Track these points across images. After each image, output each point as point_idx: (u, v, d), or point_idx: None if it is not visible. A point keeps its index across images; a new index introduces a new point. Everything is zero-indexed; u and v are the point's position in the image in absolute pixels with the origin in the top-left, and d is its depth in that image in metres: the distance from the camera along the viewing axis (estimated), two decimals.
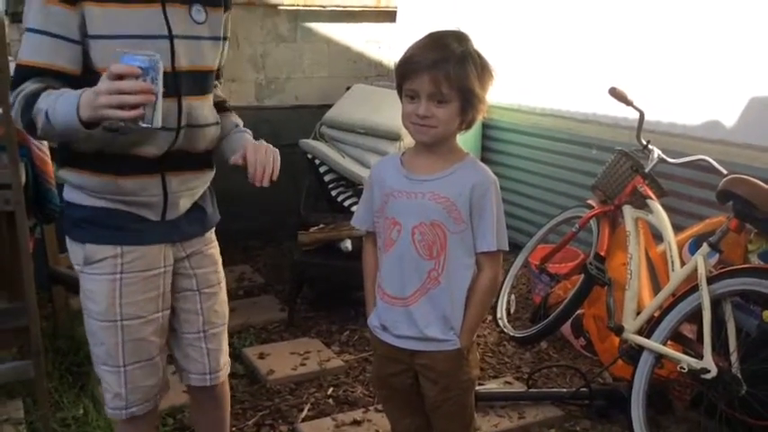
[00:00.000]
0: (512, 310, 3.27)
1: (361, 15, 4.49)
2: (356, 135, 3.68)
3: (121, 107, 1.33)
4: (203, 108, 1.64)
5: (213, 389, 1.81)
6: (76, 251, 1.61)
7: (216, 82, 1.73)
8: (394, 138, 3.59)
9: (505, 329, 3.10)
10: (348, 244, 3.15)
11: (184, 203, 1.66)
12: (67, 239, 1.64)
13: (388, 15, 4.47)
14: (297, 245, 3.21)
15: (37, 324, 2.26)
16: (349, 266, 3.17)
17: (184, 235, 1.68)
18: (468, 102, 1.55)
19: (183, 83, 1.56)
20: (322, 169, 3.70)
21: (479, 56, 1.58)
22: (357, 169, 3.56)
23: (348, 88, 4.09)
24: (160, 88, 1.36)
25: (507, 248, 1.65)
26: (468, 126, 1.62)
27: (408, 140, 3.65)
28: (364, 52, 4.58)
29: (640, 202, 2.69)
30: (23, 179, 2.33)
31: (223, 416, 1.90)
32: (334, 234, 3.20)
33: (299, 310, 3.27)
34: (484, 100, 1.58)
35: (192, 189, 1.67)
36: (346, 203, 3.56)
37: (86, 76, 1.48)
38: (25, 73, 1.48)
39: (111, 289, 1.58)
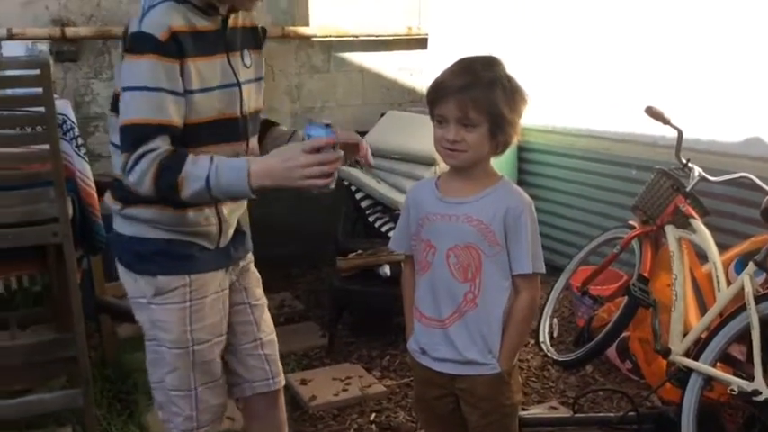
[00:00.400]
0: (555, 334, 3.23)
1: (393, 43, 4.54)
2: (391, 161, 3.70)
3: (324, 176, 1.45)
4: (257, 146, 1.75)
5: (276, 394, 1.90)
6: (144, 284, 1.66)
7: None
8: (429, 162, 3.60)
9: (549, 353, 3.07)
10: (386, 269, 3.15)
11: (231, 230, 1.75)
12: (129, 273, 1.69)
13: (420, 42, 4.51)
14: (336, 271, 3.22)
15: (85, 353, 2.30)
16: (388, 291, 3.18)
17: (234, 259, 1.79)
18: (497, 126, 1.57)
19: (249, 126, 1.68)
20: (358, 196, 3.72)
21: (510, 80, 1.60)
22: (393, 195, 3.58)
23: (382, 115, 4.13)
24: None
25: (543, 271, 1.65)
26: (502, 150, 1.63)
27: (443, 165, 3.66)
28: (397, 79, 4.62)
29: (683, 222, 2.65)
30: (71, 212, 2.40)
31: (284, 420, 1.97)
32: (373, 260, 3.21)
33: (339, 335, 3.28)
34: (515, 124, 1.60)
35: (236, 216, 1.77)
36: (383, 229, 3.57)
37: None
38: (152, 131, 1.47)
39: (182, 317, 1.65)
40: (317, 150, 1.44)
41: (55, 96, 2.34)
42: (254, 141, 1.73)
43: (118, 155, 1.57)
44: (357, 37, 4.40)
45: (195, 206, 1.62)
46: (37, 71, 2.30)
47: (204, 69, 1.55)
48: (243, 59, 1.67)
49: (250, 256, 1.88)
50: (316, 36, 4.29)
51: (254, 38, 1.73)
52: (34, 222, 2.31)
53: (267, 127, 1.87)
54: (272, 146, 1.78)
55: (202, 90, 1.55)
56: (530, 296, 1.66)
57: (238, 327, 1.82)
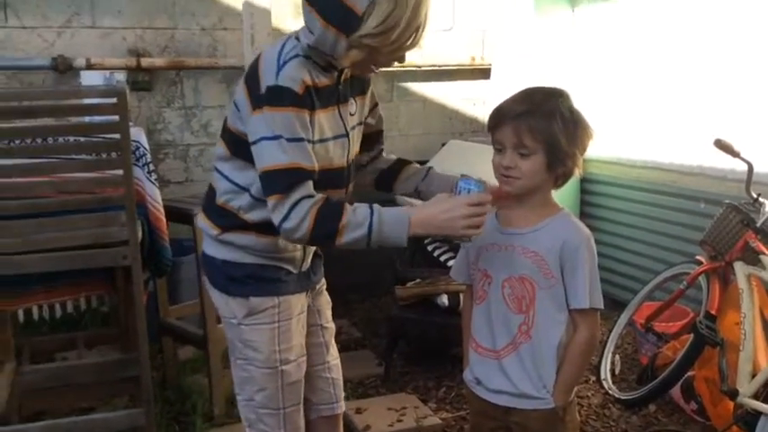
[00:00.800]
0: (617, 371, 3.14)
1: (457, 73, 4.57)
2: None
3: (479, 227, 1.53)
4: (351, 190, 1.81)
5: (337, 419, 1.96)
6: (236, 305, 1.73)
7: (381, 147, 1.92)
8: None
9: (610, 391, 2.98)
10: (444, 299, 3.14)
11: (310, 256, 1.83)
12: (222, 295, 1.76)
13: (483, 72, 4.53)
14: (394, 299, 3.23)
15: (148, 374, 2.37)
16: (445, 322, 3.16)
17: (313, 282, 1.87)
18: (554, 156, 1.56)
19: (351, 173, 1.75)
20: None
21: (572, 112, 1.59)
22: None
23: (443, 144, 4.14)
24: None
25: (601, 306, 1.62)
26: (562, 183, 1.63)
27: None
28: (459, 109, 4.64)
29: (753, 258, 2.56)
30: (140, 236, 2.48)
31: None
32: (431, 289, 3.20)
33: (395, 364, 3.27)
34: (574, 156, 1.58)
35: None
36: (442, 258, 3.56)
37: None
38: (298, 176, 1.52)
39: (272, 336, 1.72)
40: (478, 204, 1.52)
41: (129, 124, 2.44)
42: (351, 187, 1.78)
43: (223, 181, 1.69)
44: (420, 67, 4.45)
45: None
46: (114, 99, 2.40)
47: (323, 121, 1.62)
48: (350, 108, 1.72)
49: (323, 280, 1.94)
50: None
51: (361, 85, 1.76)
52: (105, 245, 2.39)
53: (401, 165, 1.91)
54: (405, 184, 1.88)
55: (321, 141, 1.62)
56: (588, 332, 1.62)
57: (310, 348, 1.86)
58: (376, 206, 1.55)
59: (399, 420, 2.79)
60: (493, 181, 1.65)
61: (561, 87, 1.65)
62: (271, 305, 1.71)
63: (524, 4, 4.03)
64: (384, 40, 1.52)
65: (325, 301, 1.95)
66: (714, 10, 3.23)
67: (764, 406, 2.19)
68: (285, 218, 1.52)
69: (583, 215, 3.95)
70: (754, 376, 2.34)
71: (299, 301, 1.78)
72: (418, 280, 3.29)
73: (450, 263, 3.51)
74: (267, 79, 1.54)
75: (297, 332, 1.77)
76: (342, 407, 1.96)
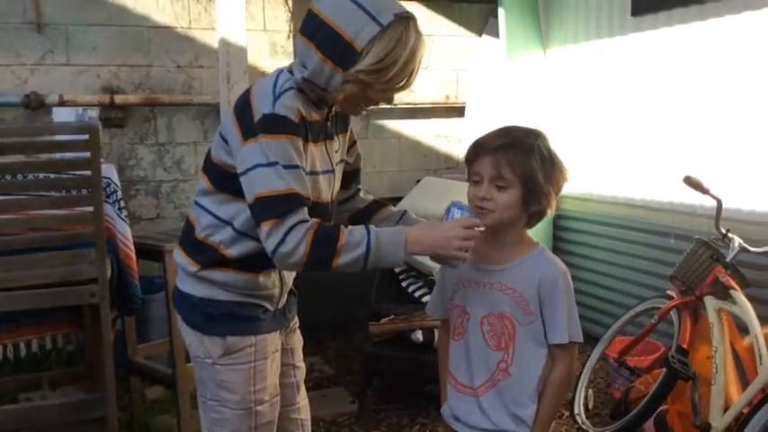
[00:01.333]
0: (590, 406, 3.13)
1: (431, 111, 4.63)
2: None
3: (468, 250, 1.54)
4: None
5: None
6: (210, 344, 1.69)
7: (358, 186, 1.94)
8: None
9: (584, 426, 2.97)
10: (419, 335, 3.12)
11: (286, 292, 1.81)
12: (195, 334, 1.72)
13: (457, 111, 4.59)
14: (367, 336, 3.20)
15: (114, 415, 2.32)
16: (420, 358, 3.14)
17: (287, 320, 1.85)
18: (530, 192, 1.57)
19: (332, 210, 1.76)
20: None
21: (550, 152, 1.62)
22: (427, 260, 3.56)
23: (418, 181, 4.17)
24: None
25: (581, 340, 1.62)
26: (536, 221, 1.64)
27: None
28: (433, 146, 4.69)
29: (723, 293, 2.59)
30: (109, 273, 2.45)
31: None
32: (405, 325, 3.19)
33: (369, 402, 3.23)
34: (549, 195, 1.60)
35: (292, 278, 1.83)
36: (416, 294, 3.55)
37: None
38: (294, 202, 1.52)
39: (248, 377, 1.70)
40: (470, 227, 1.55)
41: (101, 161, 2.43)
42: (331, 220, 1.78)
43: (205, 215, 1.67)
44: (395, 105, 4.49)
45: (265, 270, 1.68)
46: (86, 136, 2.40)
47: (314, 155, 1.63)
48: (334, 145, 1.73)
49: (296, 318, 1.92)
50: None
51: (344, 122, 1.78)
52: (73, 282, 2.36)
53: (377, 206, 1.91)
54: (380, 225, 1.80)
55: (312, 173, 1.62)
56: (566, 367, 1.63)
57: (282, 388, 1.83)
58: (371, 227, 1.56)
59: None
60: None
61: (539, 129, 1.68)
62: (248, 344, 1.68)
63: (497, 45, 4.11)
64: (380, 77, 1.55)
65: (298, 340, 1.92)
66: (683, 52, 3.32)
67: None
68: (281, 242, 1.49)
69: (556, 250, 3.97)
70: (726, 410, 2.35)
71: (274, 340, 1.75)
72: (392, 316, 3.27)
73: (425, 298, 3.50)
74: (262, 108, 1.55)
75: (271, 372, 1.74)
76: None
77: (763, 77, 2.92)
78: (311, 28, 1.56)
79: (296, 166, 1.53)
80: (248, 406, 1.70)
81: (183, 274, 1.73)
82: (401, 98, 4.45)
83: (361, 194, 1.94)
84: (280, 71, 1.64)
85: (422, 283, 3.59)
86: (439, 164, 4.67)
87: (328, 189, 1.70)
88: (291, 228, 1.50)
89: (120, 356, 2.78)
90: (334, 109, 1.69)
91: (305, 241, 1.49)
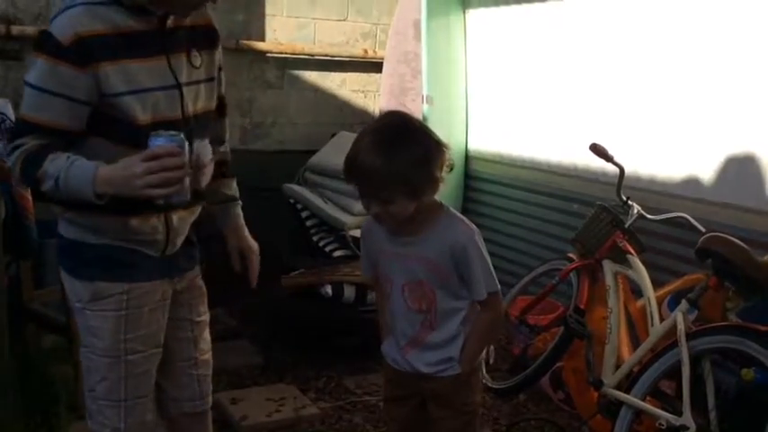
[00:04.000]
0: (491, 361, 3.23)
1: (349, 65, 4.55)
2: (339, 181, 3.68)
3: (165, 185, 1.42)
4: (206, 148, 1.69)
5: (203, 416, 1.85)
6: (80, 289, 1.63)
7: (222, 138, 1.86)
8: None
9: (484, 380, 3.07)
10: (328, 289, 3.14)
11: (180, 238, 1.70)
12: (68, 277, 1.66)
13: (375, 66, 4.54)
14: (277, 289, 3.18)
15: (6, 362, 2.21)
16: (328, 312, 3.16)
17: (181, 270, 1.75)
18: (415, 191, 1.61)
19: (192, 128, 1.62)
20: (304, 214, 3.70)
21: (422, 141, 1.62)
22: (339, 215, 3.57)
23: (333, 135, 4.12)
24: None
25: (497, 288, 1.74)
26: (431, 197, 1.66)
27: None
28: (350, 100, 4.63)
29: (620, 257, 2.71)
30: (2, 215, 2.31)
31: None
32: (315, 279, 3.18)
33: (276, 355, 3.23)
34: (436, 178, 1.63)
35: (187, 224, 1.73)
36: (327, 249, 3.55)
37: (121, 130, 1.53)
38: (30, 128, 1.50)
39: (117, 324, 1.62)
40: (156, 158, 1.41)
41: None
42: (200, 144, 1.65)
43: None
44: (313, 56, 4.40)
45: (138, 214, 1.58)
46: None
47: (129, 71, 1.52)
48: (190, 60, 1.63)
49: (197, 269, 1.83)
50: (271, 52, 4.27)
51: (208, 37, 1.69)
52: None
53: (218, 172, 1.82)
54: (220, 212, 1.90)
55: (132, 92, 1.52)
56: (491, 314, 1.77)
57: (175, 343, 1.78)
58: (74, 157, 1.47)
59: (278, 411, 2.76)
60: None
61: (401, 114, 1.75)
62: (118, 291, 1.61)
63: (417, 1, 4.07)
64: None
65: (199, 293, 1.83)
66: (593, 20, 3.39)
67: (626, 396, 2.32)
68: (8, 161, 1.51)
69: (465, 211, 4.04)
70: (617, 368, 2.48)
71: (156, 289, 1.67)
72: (302, 270, 3.26)
73: (336, 253, 3.50)
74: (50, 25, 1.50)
75: (151, 322, 1.67)
76: (208, 403, 1.86)
77: (670, 46, 3.03)
78: None
79: (48, 91, 1.47)
80: (116, 354, 1.63)
81: (59, 217, 1.65)
82: (318, 49, 4.40)
83: (220, 146, 1.84)
84: None
85: (333, 237, 3.59)
86: (355, 118, 4.62)
87: (175, 106, 1.58)
88: (13, 149, 1.50)
89: (15, 302, 2.64)
90: (183, 20, 1.60)
91: (17, 164, 1.50)
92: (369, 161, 1.57)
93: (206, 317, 1.86)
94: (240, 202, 1.94)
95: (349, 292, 3.17)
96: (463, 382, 1.78)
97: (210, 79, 1.70)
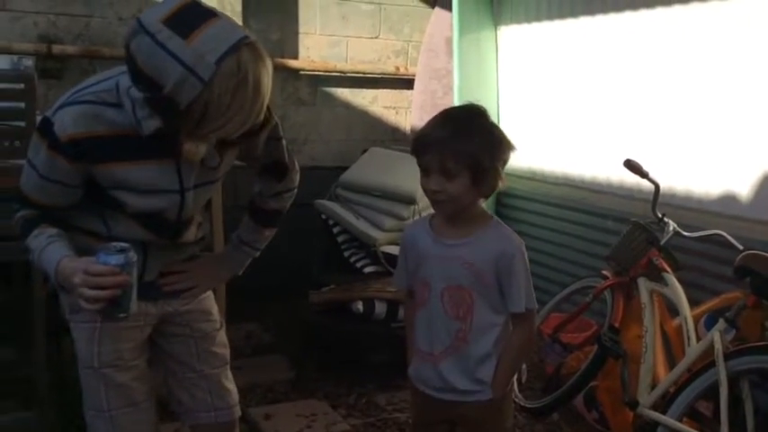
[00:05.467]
0: (523, 380, 3.20)
1: (381, 82, 4.59)
2: (371, 197, 3.70)
3: (96, 302, 1.39)
4: (192, 232, 1.73)
5: (224, 427, 1.84)
6: (64, 300, 1.66)
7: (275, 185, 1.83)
8: (409, 201, 3.61)
9: (516, 399, 3.04)
10: (359, 306, 3.13)
11: (158, 269, 1.70)
12: (60, 290, 1.67)
13: (406, 82, 4.57)
14: (308, 304, 3.19)
15: (43, 374, 2.25)
16: (359, 328, 3.16)
17: (164, 296, 1.72)
18: (478, 175, 1.61)
19: (183, 226, 1.66)
20: (336, 230, 3.71)
21: (492, 129, 1.66)
22: (370, 231, 3.57)
23: (365, 151, 4.14)
24: (134, 278, 1.43)
25: (536, 306, 1.73)
26: (488, 194, 1.69)
27: (424, 203, 3.68)
28: (382, 117, 4.66)
29: (655, 275, 2.67)
30: None
31: None
32: (346, 295, 3.19)
33: (307, 370, 3.23)
34: (497, 171, 1.65)
35: (172, 260, 1.73)
36: (358, 265, 3.55)
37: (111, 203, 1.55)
38: (28, 204, 1.55)
39: (90, 337, 1.64)
40: (94, 275, 1.39)
41: (36, 113, 2.33)
42: (187, 234, 1.70)
43: None
44: (345, 73, 4.44)
45: (104, 241, 1.57)
46: (21, 85, 2.29)
47: (134, 174, 1.51)
48: (206, 161, 1.57)
49: (198, 304, 1.80)
50: (304, 70, 4.33)
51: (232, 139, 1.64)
52: (3, 237, 2.26)
53: (247, 215, 1.86)
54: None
55: (129, 190, 1.52)
56: (525, 333, 1.74)
57: (180, 356, 1.78)
58: (50, 239, 1.49)
59: (308, 427, 2.76)
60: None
61: (477, 104, 1.71)
62: None
63: (449, 19, 4.09)
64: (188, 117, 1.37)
65: (201, 314, 1.80)
66: (629, 36, 3.37)
67: (662, 416, 2.27)
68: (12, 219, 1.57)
69: None
70: (653, 388, 2.44)
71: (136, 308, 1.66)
72: (333, 286, 3.27)
73: (367, 269, 3.51)
74: (54, 106, 1.47)
75: (128, 338, 1.67)
76: (229, 415, 1.83)
77: (707, 65, 3.00)
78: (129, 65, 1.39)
79: (47, 179, 1.50)
80: (92, 365, 1.65)
81: None
82: (351, 66, 4.44)
83: (265, 196, 1.83)
84: (111, 76, 1.49)
85: (364, 253, 3.59)
86: (386, 135, 4.65)
87: (173, 209, 1.59)
88: (15, 212, 1.56)
89: (52, 316, 2.68)
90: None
91: (16, 223, 1.55)
92: (443, 131, 1.61)
93: (213, 333, 1.81)
94: (249, 253, 1.88)
95: (380, 309, 3.16)
96: (495, 408, 1.74)
97: (227, 172, 1.70)
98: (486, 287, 1.68)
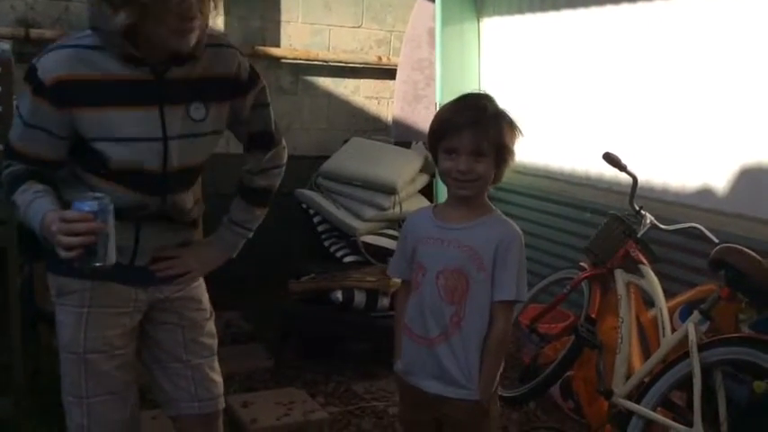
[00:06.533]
0: (502, 365, 3.23)
1: (362, 71, 4.58)
2: (352, 187, 3.71)
3: (69, 248, 1.40)
4: (186, 199, 1.71)
5: (208, 419, 1.81)
6: (52, 282, 1.66)
7: (256, 168, 1.82)
8: (389, 191, 3.62)
9: (497, 389, 3.06)
10: (339, 295, 3.14)
11: (150, 253, 1.69)
12: (47, 270, 1.68)
13: (388, 72, 4.56)
14: (288, 293, 3.19)
15: (20, 362, 2.23)
16: (339, 317, 3.16)
17: (155, 283, 1.71)
18: (501, 156, 1.68)
19: (171, 181, 1.63)
20: (316, 219, 3.71)
21: (506, 114, 1.73)
22: (351, 221, 3.58)
23: (346, 141, 4.14)
24: (111, 228, 1.44)
25: (525, 299, 1.75)
26: (498, 179, 1.73)
27: (404, 193, 3.68)
28: (363, 107, 4.66)
29: (632, 267, 2.70)
30: (18, 219, 2.33)
31: None
32: (326, 284, 3.19)
33: (286, 359, 3.24)
34: (513, 154, 1.72)
35: (162, 242, 1.70)
36: (338, 254, 3.56)
37: (95, 163, 1.56)
38: (15, 156, 1.57)
39: (77, 321, 1.62)
40: (68, 221, 1.41)
41: (13, 97, 2.30)
42: (179, 197, 1.67)
43: None
44: (327, 62, 4.43)
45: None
46: None
47: (115, 119, 1.52)
48: (189, 112, 1.59)
49: (190, 291, 1.78)
50: (285, 58, 4.30)
51: (224, 88, 1.65)
52: None
53: (237, 193, 1.85)
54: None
55: (107, 139, 1.53)
56: (504, 324, 1.72)
57: (165, 345, 1.76)
58: (36, 194, 1.50)
59: (287, 414, 2.76)
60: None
61: (485, 92, 1.78)
62: (79, 288, 1.62)
63: (431, 9, 4.09)
64: None
65: (192, 302, 1.78)
66: (608, 30, 3.39)
67: (636, 406, 2.30)
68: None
69: None
70: (628, 378, 2.47)
71: (123, 294, 1.66)
72: (313, 275, 3.27)
73: (347, 258, 3.51)
74: (40, 54, 1.52)
75: (115, 325, 1.65)
76: (210, 407, 1.80)
77: (685, 59, 3.02)
78: None
79: (33, 126, 1.52)
80: (76, 350, 1.63)
81: None
82: (333, 56, 4.42)
83: (254, 170, 1.82)
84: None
85: (344, 243, 3.60)
86: (368, 125, 4.65)
87: (154, 158, 1.57)
88: (4, 168, 1.58)
89: (28, 303, 2.67)
90: (191, 72, 1.57)
91: (4, 179, 1.57)
92: (470, 116, 1.66)
93: (202, 322, 1.80)
94: (242, 234, 1.85)
95: (360, 298, 3.17)
96: (483, 410, 1.73)
97: (216, 132, 1.67)
98: (482, 273, 1.68)
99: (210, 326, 1.83)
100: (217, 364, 1.84)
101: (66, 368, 1.66)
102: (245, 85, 1.69)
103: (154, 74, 1.54)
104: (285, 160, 1.89)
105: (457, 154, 1.66)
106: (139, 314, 1.71)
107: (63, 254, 1.41)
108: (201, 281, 1.83)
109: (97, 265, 1.43)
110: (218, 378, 1.83)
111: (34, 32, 3.56)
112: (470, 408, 1.71)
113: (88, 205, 1.41)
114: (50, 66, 1.48)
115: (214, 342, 1.84)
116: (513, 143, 1.71)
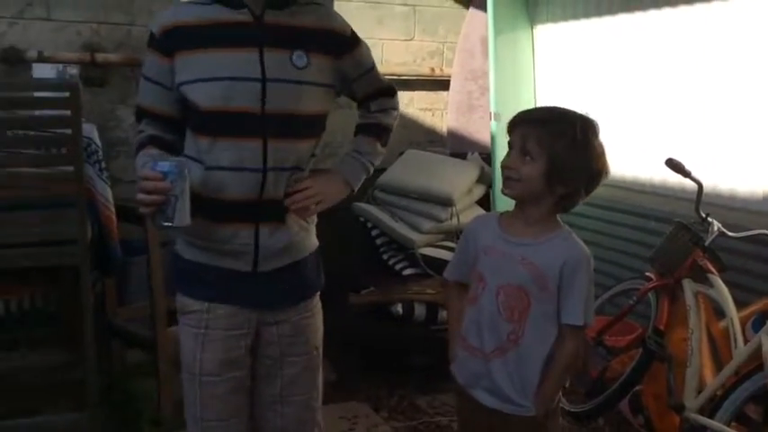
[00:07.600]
0: (566, 384, 3.17)
1: (416, 84, 4.58)
2: (408, 200, 3.71)
3: (144, 205, 1.48)
4: (291, 152, 1.65)
5: None
6: (177, 300, 1.70)
7: (369, 104, 1.90)
8: (446, 203, 3.61)
9: (560, 404, 3.01)
10: (399, 308, 3.14)
11: (273, 259, 1.67)
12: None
13: (442, 84, 4.56)
14: (348, 307, 3.21)
15: (94, 377, 2.30)
16: (399, 331, 3.17)
17: (274, 301, 1.70)
18: (554, 169, 1.58)
19: (269, 125, 1.60)
20: (374, 233, 3.72)
21: (586, 139, 1.62)
22: (409, 233, 3.58)
23: (401, 154, 4.15)
24: (184, 190, 1.48)
25: (592, 323, 1.66)
26: (566, 206, 1.66)
27: (461, 205, 3.67)
28: (418, 119, 4.66)
29: (700, 277, 2.62)
30: (89, 235, 2.41)
31: None
32: (386, 297, 3.20)
33: (348, 373, 3.25)
34: (578, 180, 1.62)
35: (284, 242, 1.67)
36: (397, 267, 3.56)
37: (194, 118, 1.62)
38: (140, 114, 1.69)
39: (195, 343, 1.65)
40: (144, 179, 1.49)
41: (81, 120, 2.38)
42: (281, 145, 1.62)
43: None
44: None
45: (223, 221, 1.61)
46: (66, 93, 2.34)
47: (213, 60, 1.58)
48: (292, 58, 1.61)
49: (305, 306, 1.77)
50: None
51: (328, 42, 1.67)
52: (52, 243, 2.32)
53: (357, 132, 1.92)
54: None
55: (205, 80, 1.58)
56: (574, 347, 1.66)
57: (262, 375, 1.74)
58: (150, 158, 1.55)
59: (351, 429, 2.78)
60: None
61: (593, 119, 1.71)
62: (198, 308, 1.64)
63: (484, 19, 4.07)
64: None
65: (299, 334, 1.74)
66: (670, 35, 3.32)
67: (709, 421, 2.24)
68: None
69: None
70: (699, 392, 2.40)
71: (237, 315, 1.65)
72: (372, 288, 3.28)
73: (406, 272, 3.51)
74: None
75: (230, 348, 1.65)
76: None
77: (748, 63, 2.94)
78: None
79: (148, 79, 1.64)
80: (192, 371, 1.65)
81: None
82: (385, 69, 4.43)
83: (374, 109, 1.91)
84: None
85: (402, 256, 3.60)
86: (422, 137, 4.64)
87: (252, 98, 1.58)
88: (138, 133, 1.69)
89: (101, 319, 2.75)
90: (292, 20, 1.62)
91: (135, 143, 1.67)
92: (535, 115, 1.68)
93: (304, 359, 1.76)
94: (364, 165, 1.85)
95: (420, 311, 3.17)
96: (539, 426, 1.67)
97: (322, 85, 1.67)
98: (545, 293, 1.61)
99: (314, 364, 1.83)
100: (317, 404, 1.85)
101: (185, 388, 1.69)
102: (349, 42, 1.74)
103: (253, 17, 1.61)
104: (398, 106, 1.98)
105: (510, 149, 1.64)
106: (251, 338, 1.70)
107: (141, 209, 1.49)
108: (316, 311, 1.84)
109: (164, 224, 1.48)
110: (313, 419, 1.83)
111: (99, 56, 3.68)
112: (524, 423, 1.66)
113: (161, 166, 1.48)
114: (160, 19, 1.62)
115: (316, 383, 1.85)
116: (576, 162, 1.60)
